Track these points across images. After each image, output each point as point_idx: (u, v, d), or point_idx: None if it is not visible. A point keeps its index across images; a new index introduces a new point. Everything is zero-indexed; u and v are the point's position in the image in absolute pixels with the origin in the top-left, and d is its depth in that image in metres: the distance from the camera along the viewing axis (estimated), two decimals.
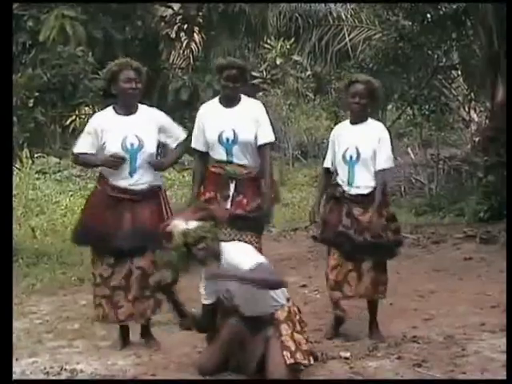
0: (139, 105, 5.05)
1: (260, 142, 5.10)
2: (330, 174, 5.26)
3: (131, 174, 4.90)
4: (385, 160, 5.07)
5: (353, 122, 5.15)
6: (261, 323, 4.39)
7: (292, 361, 4.22)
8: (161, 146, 5.14)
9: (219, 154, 5.11)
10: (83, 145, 5.00)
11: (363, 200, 5.02)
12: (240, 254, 4.32)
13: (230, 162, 5.10)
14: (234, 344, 4.37)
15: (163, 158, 5.18)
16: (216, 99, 5.24)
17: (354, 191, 5.03)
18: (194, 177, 5.35)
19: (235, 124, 5.07)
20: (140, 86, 4.96)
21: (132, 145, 4.89)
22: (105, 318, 4.97)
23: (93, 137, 4.96)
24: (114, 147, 4.88)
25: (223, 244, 4.38)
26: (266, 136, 5.13)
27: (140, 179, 4.92)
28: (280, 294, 4.39)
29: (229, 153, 5.09)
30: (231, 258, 4.30)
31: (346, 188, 5.06)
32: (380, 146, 5.05)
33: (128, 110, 4.97)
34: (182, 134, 5.15)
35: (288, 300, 4.44)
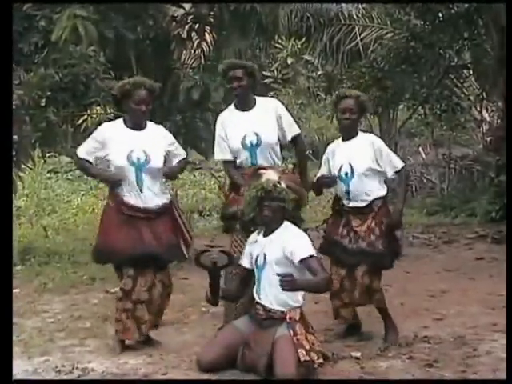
0: (148, 122, 5.05)
1: (289, 137, 5.12)
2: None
3: (140, 188, 4.88)
4: (395, 162, 5.10)
5: (344, 139, 5.18)
6: (271, 322, 4.41)
7: (307, 358, 4.23)
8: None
9: (243, 159, 5.06)
10: (87, 151, 4.98)
11: (361, 211, 5.06)
12: (306, 242, 4.45)
13: (254, 166, 5.03)
14: (237, 342, 4.40)
15: (172, 168, 5.10)
16: (231, 106, 5.19)
17: (351, 204, 5.08)
18: (234, 180, 5.11)
19: (256, 126, 5.03)
20: (150, 108, 4.97)
21: (138, 159, 4.87)
22: (125, 333, 4.91)
23: (98, 144, 4.95)
24: (119, 159, 4.88)
25: (292, 226, 4.53)
26: (292, 130, 5.15)
27: (150, 194, 4.90)
28: (302, 294, 4.47)
29: (253, 157, 5.04)
30: (289, 237, 4.44)
31: (344, 201, 5.12)
32: (381, 154, 5.08)
33: (137, 125, 4.98)
34: (183, 153, 5.19)
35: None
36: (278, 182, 4.51)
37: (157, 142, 4.98)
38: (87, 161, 4.98)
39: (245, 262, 4.64)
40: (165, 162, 5.02)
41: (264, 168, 4.83)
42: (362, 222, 5.03)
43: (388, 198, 5.17)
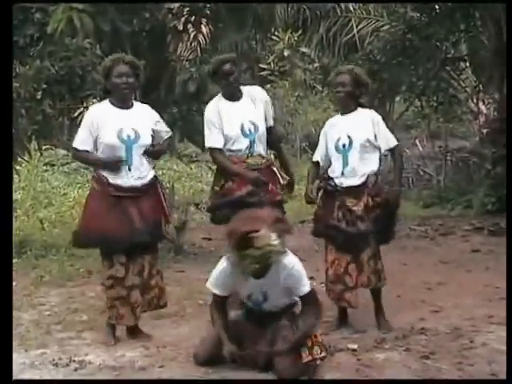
0: (134, 101, 5.05)
1: (269, 123, 5.27)
2: (318, 167, 5.30)
3: (129, 167, 4.88)
4: (391, 138, 5.13)
5: (342, 113, 5.19)
6: (272, 315, 4.40)
7: (310, 358, 4.21)
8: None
9: (241, 147, 5.15)
10: (82, 140, 4.97)
11: (355, 191, 5.03)
12: (302, 274, 4.30)
13: (251, 155, 5.16)
14: (234, 335, 4.35)
15: (157, 148, 5.08)
16: (219, 96, 5.27)
17: (346, 183, 5.04)
18: (234, 169, 5.16)
19: (251, 115, 5.17)
20: (132, 81, 4.92)
21: (129, 136, 4.88)
22: (120, 319, 4.93)
23: (89, 129, 4.94)
24: (109, 138, 4.87)
25: (289, 254, 4.29)
26: (270, 119, 5.32)
27: (138, 173, 4.91)
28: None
29: (251, 144, 5.17)
30: (295, 271, 4.27)
31: (337, 181, 5.08)
32: (379, 128, 5.10)
33: (124, 104, 4.96)
34: (168, 132, 5.19)
35: None
36: (274, 245, 4.09)
37: (144, 119, 4.99)
38: (85, 151, 4.97)
39: (219, 292, 4.41)
40: (152, 140, 5.01)
41: (252, 231, 4.11)
42: (357, 201, 5.00)
43: (380, 175, 5.18)
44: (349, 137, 5.06)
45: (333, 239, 5.08)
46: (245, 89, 5.28)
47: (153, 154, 5.02)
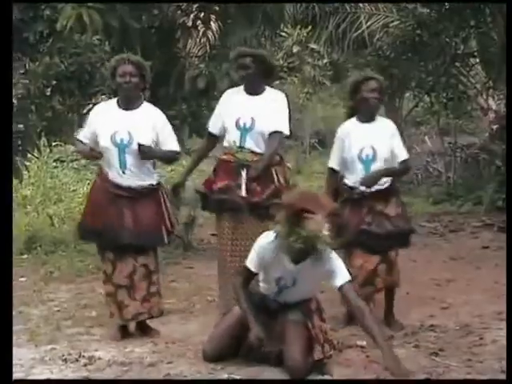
0: (145, 103, 4.99)
1: (272, 129, 5.05)
2: (336, 174, 5.22)
3: (122, 169, 4.86)
4: (404, 151, 5.11)
5: (363, 120, 5.11)
6: (286, 308, 4.37)
7: (321, 356, 4.22)
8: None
9: (233, 138, 5.07)
10: (84, 133, 5.04)
11: (384, 194, 5.05)
12: (342, 266, 4.29)
13: (242, 149, 5.06)
14: (242, 329, 4.33)
15: (151, 148, 4.90)
16: (241, 87, 5.23)
17: (374, 188, 5.02)
18: (191, 159, 5.52)
19: (255, 112, 5.05)
20: (136, 81, 4.86)
21: (122, 140, 4.83)
22: (111, 317, 5.00)
23: (90, 126, 4.98)
24: (103, 139, 4.87)
25: (329, 250, 4.25)
26: (278, 125, 5.07)
27: (133, 176, 4.87)
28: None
29: (242, 138, 5.05)
30: (333, 264, 4.25)
31: (363, 188, 5.03)
32: (397, 142, 5.07)
33: (129, 104, 4.92)
34: (175, 147, 5.01)
35: None
36: (323, 233, 4.12)
37: (146, 122, 4.89)
38: (81, 141, 5.02)
39: (253, 267, 4.37)
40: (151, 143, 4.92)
41: (310, 211, 4.13)
42: (386, 204, 5.03)
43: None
44: (373, 148, 5.02)
45: (363, 243, 5.03)
46: (270, 89, 5.18)
47: (144, 151, 4.81)
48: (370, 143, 5.03)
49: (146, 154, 4.86)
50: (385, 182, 5.06)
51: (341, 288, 4.26)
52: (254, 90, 5.13)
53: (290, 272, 4.26)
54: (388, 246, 5.04)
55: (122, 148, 4.84)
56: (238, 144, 5.06)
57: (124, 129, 4.85)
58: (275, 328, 4.33)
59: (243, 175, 5.04)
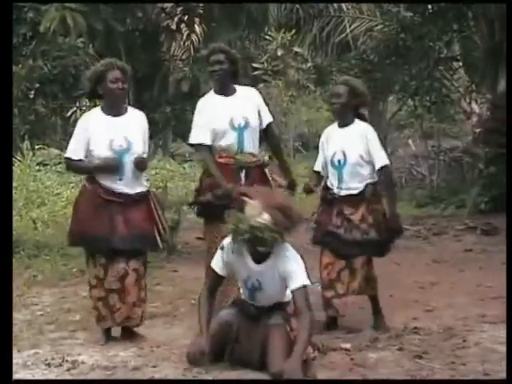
0: (128, 107, 5.02)
1: (266, 121, 5.13)
2: (320, 176, 5.31)
3: (120, 176, 4.84)
4: (383, 157, 5.10)
5: (340, 125, 5.18)
6: (265, 312, 4.37)
7: (304, 357, 4.21)
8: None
9: (230, 141, 5.03)
10: (74, 150, 4.93)
11: (353, 199, 5.08)
12: (299, 269, 4.24)
13: (241, 151, 5.05)
14: (225, 335, 4.33)
15: (145, 158, 4.97)
16: (211, 92, 5.20)
17: (343, 193, 5.09)
18: (212, 169, 5.02)
19: (242, 110, 5.04)
20: (126, 86, 4.91)
21: (120, 146, 4.83)
22: (102, 321, 4.94)
23: (82, 139, 4.91)
24: (101, 149, 4.84)
25: (287, 248, 4.27)
26: (268, 116, 5.18)
27: (129, 181, 4.86)
28: None
29: (240, 140, 5.03)
30: (290, 266, 4.23)
31: (335, 190, 5.13)
32: (373, 146, 5.08)
33: (116, 110, 4.92)
34: (146, 150, 5.04)
35: None
36: (260, 218, 4.12)
37: (137, 127, 4.93)
38: (79, 160, 4.93)
39: (218, 268, 4.40)
40: (144, 147, 4.96)
41: (247, 195, 4.27)
42: (354, 210, 5.05)
43: (378, 187, 5.18)
44: (343, 153, 5.07)
45: (329, 245, 5.11)
46: (239, 87, 5.20)
47: (139, 164, 4.87)
48: (341, 148, 5.09)
49: (142, 166, 4.92)
50: (356, 187, 5.07)
51: (293, 291, 4.25)
52: (226, 89, 5.11)
53: (254, 272, 4.30)
54: (353, 253, 5.04)
55: (120, 155, 4.83)
56: (236, 144, 5.04)
57: (120, 135, 4.85)
58: (257, 333, 4.33)
59: (242, 177, 5.05)
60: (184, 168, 15.36)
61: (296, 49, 14.84)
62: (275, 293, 4.37)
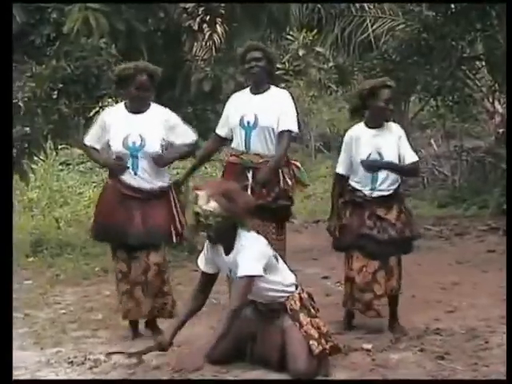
0: (153, 104, 5.05)
1: (280, 128, 5.02)
2: (344, 179, 5.21)
3: (135, 172, 4.92)
4: (414, 154, 5.10)
5: (371, 126, 5.11)
6: (273, 313, 4.37)
7: (320, 349, 4.21)
8: (169, 146, 5.07)
9: (239, 139, 5.07)
10: (92, 137, 5.08)
11: (386, 200, 5.06)
12: (248, 258, 4.21)
13: (247, 151, 5.06)
14: (242, 336, 4.35)
15: (164, 153, 5.01)
16: (247, 88, 5.23)
17: (376, 194, 5.05)
18: (199, 153, 5.45)
19: (258, 109, 5.03)
20: (149, 93, 4.97)
21: (134, 143, 4.90)
22: (128, 314, 5.02)
23: (101, 131, 5.03)
24: (116, 144, 4.93)
25: (247, 237, 4.29)
26: (287, 124, 5.03)
27: (145, 178, 4.93)
28: (289, 282, 4.38)
29: (247, 139, 5.03)
30: (241, 255, 4.24)
31: (367, 192, 5.06)
32: (404, 145, 5.07)
33: (138, 108, 4.99)
34: (191, 136, 5.11)
35: (297, 287, 4.40)
36: (207, 206, 4.19)
37: (156, 125, 4.96)
38: (93, 148, 5.07)
39: (201, 264, 4.48)
40: (168, 145, 5.00)
41: (198, 188, 4.32)
42: (388, 210, 5.03)
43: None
44: (379, 154, 5.02)
45: (364, 248, 5.03)
46: (275, 88, 5.17)
47: (157, 160, 4.94)
48: (376, 149, 5.04)
49: (160, 162, 4.97)
50: (388, 188, 5.06)
51: (236, 279, 4.24)
52: (260, 86, 5.11)
53: (226, 264, 4.35)
54: (389, 252, 5.04)
55: (134, 151, 4.90)
56: (243, 143, 5.06)
57: (135, 132, 4.91)
58: (272, 334, 4.32)
59: (249, 177, 5.04)
60: (206, 168, 15.40)
61: (318, 48, 14.80)
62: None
